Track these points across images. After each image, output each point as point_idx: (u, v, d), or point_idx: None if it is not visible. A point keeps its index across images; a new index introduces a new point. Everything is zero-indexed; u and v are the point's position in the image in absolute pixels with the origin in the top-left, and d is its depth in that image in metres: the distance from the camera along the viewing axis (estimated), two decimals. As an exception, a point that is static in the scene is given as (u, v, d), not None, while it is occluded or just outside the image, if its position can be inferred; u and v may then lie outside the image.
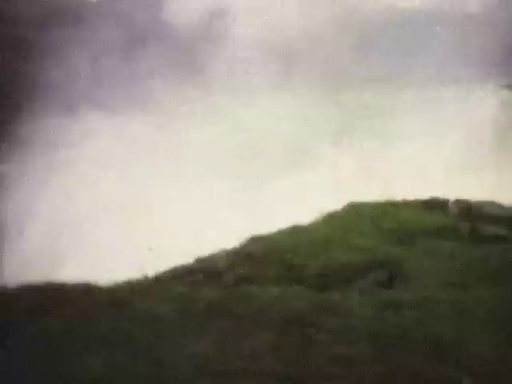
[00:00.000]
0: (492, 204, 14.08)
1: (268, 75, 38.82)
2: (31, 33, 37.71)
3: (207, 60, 40.13)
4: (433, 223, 12.75)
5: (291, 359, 6.17)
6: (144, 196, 27.57)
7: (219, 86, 38.05)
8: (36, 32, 38.05)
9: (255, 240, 12.03)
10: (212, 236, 16.03)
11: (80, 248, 23.50)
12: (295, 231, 12.49)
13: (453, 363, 6.15)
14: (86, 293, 7.71)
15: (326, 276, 10.24)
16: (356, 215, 13.29)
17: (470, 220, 12.95)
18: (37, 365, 5.93)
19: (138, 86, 36.94)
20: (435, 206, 14.23)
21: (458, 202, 14.50)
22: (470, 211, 13.55)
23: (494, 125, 34.09)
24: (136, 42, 41.12)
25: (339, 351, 6.32)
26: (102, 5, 41.23)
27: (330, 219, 13.29)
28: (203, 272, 10.85)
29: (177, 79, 37.39)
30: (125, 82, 37.03)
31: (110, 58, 38.45)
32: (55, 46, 38.09)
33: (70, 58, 38.32)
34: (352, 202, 14.33)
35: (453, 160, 30.40)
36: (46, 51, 37.12)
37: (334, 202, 14.22)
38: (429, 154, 31.25)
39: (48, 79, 36.35)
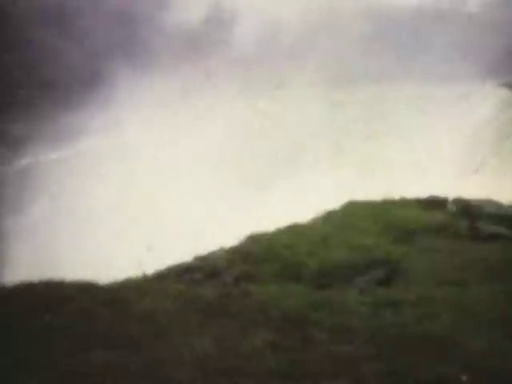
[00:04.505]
0: (491, 203, 14.09)
1: (268, 75, 38.83)
2: (32, 32, 37.67)
3: (207, 60, 40.11)
4: (432, 222, 12.76)
5: (290, 357, 6.17)
6: (144, 196, 27.60)
7: (219, 86, 38.05)
8: (37, 30, 38.00)
9: (254, 238, 12.04)
10: (211, 234, 16.04)
11: (80, 247, 23.53)
12: (294, 230, 12.49)
13: (451, 361, 6.15)
14: (86, 291, 7.72)
15: (325, 274, 10.25)
16: (355, 214, 13.30)
17: (469, 219, 12.97)
18: (37, 362, 5.94)
19: (139, 86, 36.92)
20: (434, 204, 14.25)
21: (456, 200, 14.53)
22: (468, 210, 13.56)
23: (494, 124, 34.09)
24: (138, 39, 41.11)
25: (338, 349, 6.33)
26: (105, 3, 41.20)
27: (329, 218, 13.30)
28: (202, 270, 10.86)
29: (176, 79, 37.37)
30: (126, 82, 37.02)
31: (111, 56, 38.45)
32: (56, 44, 38.03)
33: (72, 55, 38.30)
34: (351, 201, 14.35)
35: (452, 159, 30.42)
36: (47, 48, 37.06)
37: (333, 201, 14.24)
38: (428, 152, 31.27)
39: (47, 78, 36.30)
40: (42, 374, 5.80)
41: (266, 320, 6.98)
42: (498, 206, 13.97)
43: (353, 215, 13.23)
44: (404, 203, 14.25)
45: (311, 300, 7.66)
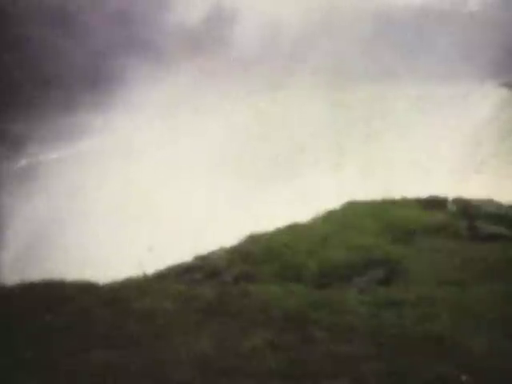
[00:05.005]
0: (490, 203, 14.08)
1: (268, 75, 38.83)
2: (32, 31, 37.65)
3: (208, 60, 40.11)
4: (431, 222, 12.74)
5: (290, 357, 6.18)
6: (144, 196, 27.59)
7: (220, 86, 38.05)
8: (37, 29, 37.99)
9: (254, 238, 12.03)
10: (211, 234, 16.05)
11: (80, 246, 23.53)
12: (294, 229, 12.48)
13: (451, 361, 6.15)
14: (86, 291, 7.73)
15: (325, 274, 10.24)
16: (355, 214, 13.29)
17: (469, 218, 12.96)
18: (38, 362, 5.95)
19: (139, 85, 36.90)
20: (434, 204, 14.23)
21: (456, 200, 14.51)
22: (468, 210, 13.56)
23: (494, 124, 34.09)
24: (139, 39, 41.11)
25: (338, 349, 6.33)
26: (106, 2, 41.24)
27: (329, 218, 13.29)
28: (202, 270, 10.85)
29: (177, 79, 37.38)
30: (126, 82, 37.01)
31: (112, 55, 38.42)
32: (57, 43, 38.02)
33: (73, 55, 38.29)
34: (351, 201, 14.34)
35: (452, 159, 30.41)
36: (47, 47, 37.06)
37: (333, 201, 14.24)
38: (428, 152, 31.26)
39: (48, 77, 36.29)
40: (42, 374, 5.80)
41: (266, 320, 6.99)
42: (498, 206, 13.95)
43: (353, 215, 13.22)
44: (404, 203, 14.23)
45: (311, 300, 7.66)
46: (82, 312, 7.02)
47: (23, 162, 33.28)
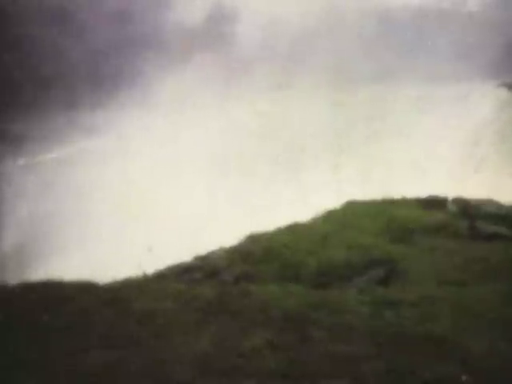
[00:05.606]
0: (490, 203, 14.09)
1: (268, 75, 38.82)
2: (32, 30, 37.63)
3: (209, 60, 40.09)
4: (431, 221, 12.75)
5: (289, 357, 6.18)
6: (144, 195, 27.59)
7: (220, 85, 38.03)
8: (37, 29, 37.97)
9: (254, 238, 12.03)
10: (211, 234, 16.04)
11: (80, 246, 23.53)
12: (294, 229, 12.49)
13: (451, 361, 6.15)
14: (86, 291, 7.72)
15: (324, 274, 10.25)
16: (355, 213, 13.30)
17: (469, 218, 12.96)
18: (37, 362, 5.95)
19: (139, 84, 36.89)
20: (434, 204, 14.24)
21: (456, 200, 14.52)
22: (468, 210, 13.56)
23: (494, 124, 34.09)
24: (139, 38, 41.09)
25: (337, 349, 6.33)
26: (105, 1, 41.23)
27: (329, 217, 13.30)
28: (202, 270, 10.85)
29: (177, 78, 37.37)
30: (126, 80, 36.98)
31: (111, 54, 38.42)
32: (57, 42, 38.01)
33: (73, 54, 38.28)
34: (351, 201, 14.35)
35: (452, 159, 30.40)
36: (47, 46, 37.04)
37: (333, 201, 14.25)
38: (428, 152, 31.25)
39: (48, 76, 36.29)
40: (41, 374, 5.80)
41: (266, 320, 6.99)
42: (498, 205, 13.96)
43: (353, 215, 13.23)
44: (404, 203, 14.24)
45: (311, 300, 7.66)
46: (81, 312, 7.01)
47: (23, 161, 33.27)
